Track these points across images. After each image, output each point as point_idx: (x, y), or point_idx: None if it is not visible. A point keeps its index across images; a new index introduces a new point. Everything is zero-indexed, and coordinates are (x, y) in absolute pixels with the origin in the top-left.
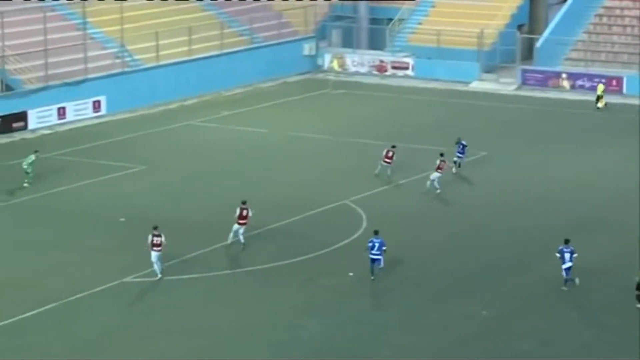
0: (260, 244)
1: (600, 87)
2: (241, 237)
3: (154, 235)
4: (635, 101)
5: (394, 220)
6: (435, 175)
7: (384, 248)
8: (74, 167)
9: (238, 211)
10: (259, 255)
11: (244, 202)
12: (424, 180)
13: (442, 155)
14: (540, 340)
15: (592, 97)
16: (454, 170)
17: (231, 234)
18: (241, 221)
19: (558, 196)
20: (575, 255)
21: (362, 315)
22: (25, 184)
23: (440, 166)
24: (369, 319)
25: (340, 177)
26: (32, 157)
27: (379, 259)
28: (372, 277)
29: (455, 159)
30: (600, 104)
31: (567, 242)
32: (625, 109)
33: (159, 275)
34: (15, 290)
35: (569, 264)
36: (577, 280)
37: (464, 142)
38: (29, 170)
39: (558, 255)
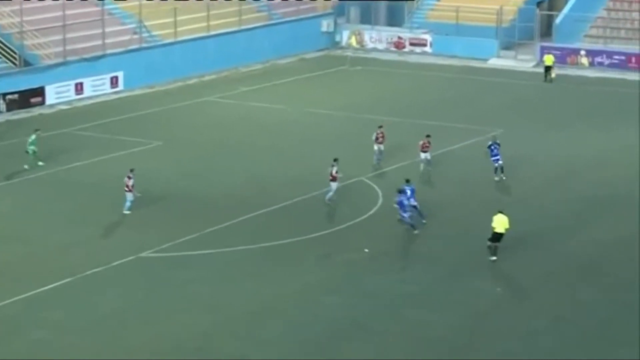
0: (277, 219)
1: (550, 58)
2: (330, 194)
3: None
4: None
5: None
6: (424, 155)
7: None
8: (91, 142)
9: (330, 169)
10: (276, 231)
11: (335, 160)
12: (440, 157)
13: (428, 136)
14: (554, 318)
15: (611, 75)
16: (496, 178)
17: (330, 194)
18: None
19: (576, 174)
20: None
21: (377, 290)
22: (25, 167)
23: (425, 145)
24: (385, 294)
25: (357, 154)
26: (33, 136)
27: (416, 205)
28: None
29: (495, 164)
30: (553, 75)
31: (407, 181)
32: None
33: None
34: (35, 264)
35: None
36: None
37: (498, 142)
38: (30, 151)
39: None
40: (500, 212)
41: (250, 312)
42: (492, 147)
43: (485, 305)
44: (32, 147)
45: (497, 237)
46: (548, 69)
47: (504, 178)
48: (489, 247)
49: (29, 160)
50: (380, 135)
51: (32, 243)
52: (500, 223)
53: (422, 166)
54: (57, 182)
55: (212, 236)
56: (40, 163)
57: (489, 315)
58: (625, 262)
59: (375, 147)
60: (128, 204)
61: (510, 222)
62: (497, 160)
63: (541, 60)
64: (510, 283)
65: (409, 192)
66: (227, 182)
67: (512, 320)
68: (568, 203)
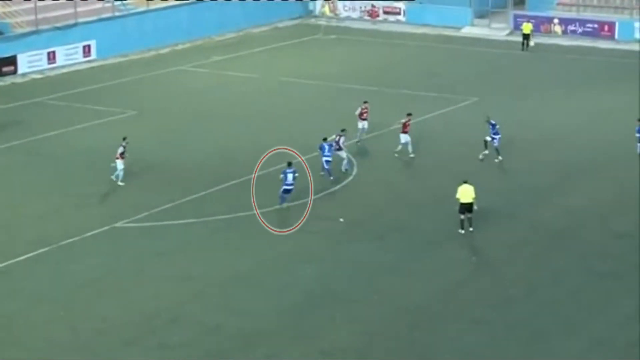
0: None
1: (528, 26)
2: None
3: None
4: (625, 46)
5: (386, 166)
6: (404, 137)
7: (297, 175)
8: (64, 112)
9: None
10: (251, 201)
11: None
12: (414, 126)
13: (409, 114)
14: (529, 286)
15: (584, 43)
16: (496, 160)
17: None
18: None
19: (549, 141)
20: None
21: (353, 260)
22: None
23: (407, 125)
24: (361, 263)
25: (331, 123)
26: None
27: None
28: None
29: (493, 142)
30: (532, 43)
31: (289, 164)
32: (617, 54)
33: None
34: (7, 234)
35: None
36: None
37: (493, 122)
38: None
39: (282, 176)
40: (465, 182)
41: (225, 282)
42: (489, 125)
43: (461, 274)
44: None
45: (464, 207)
46: (526, 37)
47: (500, 159)
48: (461, 220)
49: None
50: (365, 110)
51: (5, 213)
52: (465, 193)
53: (401, 147)
54: (30, 152)
55: (187, 206)
56: None
57: (464, 284)
58: (598, 230)
59: (360, 124)
60: (119, 173)
61: (479, 192)
62: (495, 139)
63: (519, 29)
64: (485, 252)
65: (290, 177)
66: (202, 152)
67: (487, 288)
68: (541, 171)
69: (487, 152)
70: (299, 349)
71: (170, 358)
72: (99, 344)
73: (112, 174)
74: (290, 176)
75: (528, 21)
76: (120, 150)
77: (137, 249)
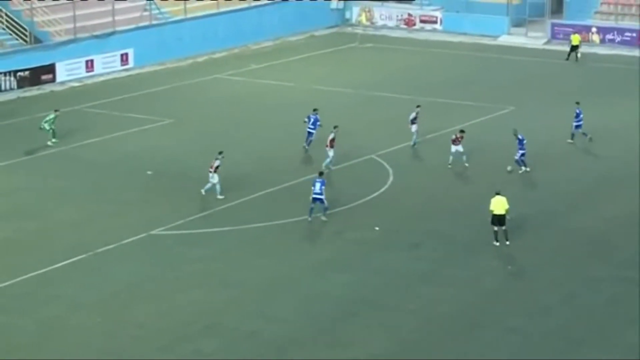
0: (289, 197)
1: (577, 38)
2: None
3: (215, 159)
4: None
5: (420, 175)
6: (455, 148)
7: (324, 187)
8: (102, 120)
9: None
10: (288, 209)
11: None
12: (450, 134)
13: (462, 131)
14: (565, 295)
15: (622, 52)
16: (520, 171)
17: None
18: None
19: (586, 151)
20: (323, 187)
21: (387, 268)
22: (49, 143)
23: (458, 138)
24: (395, 271)
25: (367, 131)
26: (52, 115)
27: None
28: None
29: (516, 157)
30: (579, 54)
31: (320, 174)
32: None
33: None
34: (46, 240)
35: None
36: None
37: (520, 136)
38: (46, 127)
39: (312, 186)
40: (498, 193)
41: (261, 289)
42: (519, 141)
43: (496, 283)
44: (47, 124)
45: (497, 219)
46: (575, 48)
47: (527, 170)
48: (494, 231)
49: (48, 137)
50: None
51: (45, 220)
52: (498, 205)
53: (450, 158)
54: (69, 160)
55: (223, 213)
56: (49, 143)
57: (500, 292)
58: (635, 239)
59: (413, 127)
60: (213, 186)
61: (515, 200)
62: (523, 153)
63: (556, 38)
64: (520, 261)
65: (318, 185)
66: (238, 160)
67: (522, 297)
68: (577, 180)
69: (527, 168)
70: (334, 356)
71: None
72: (135, 350)
73: (203, 188)
74: (317, 185)
75: (576, 32)
76: (217, 163)
77: (173, 256)
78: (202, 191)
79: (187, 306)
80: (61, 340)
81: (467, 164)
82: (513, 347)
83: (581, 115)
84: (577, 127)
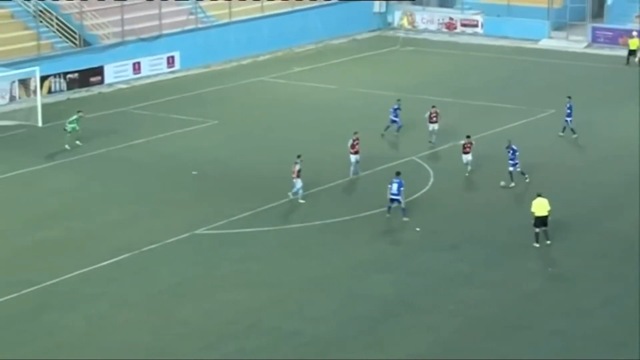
0: (330, 198)
1: (635, 42)
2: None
3: (295, 163)
4: None
5: (460, 177)
6: (466, 158)
7: (402, 189)
8: (148, 121)
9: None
10: (329, 210)
11: (355, 132)
12: (490, 137)
13: (468, 137)
14: (604, 298)
15: None
16: (502, 183)
17: (295, 189)
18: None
19: (624, 153)
20: (402, 188)
21: (427, 269)
22: (67, 147)
23: (467, 146)
24: (435, 272)
25: (408, 133)
26: (75, 116)
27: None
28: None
29: (510, 168)
30: (637, 59)
31: (398, 174)
32: None
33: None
34: (92, 239)
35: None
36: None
37: (514, 147)
38: (69, 129)
39: (389, 185)
40: (539, 195)
41: (302, 289)
42: (509, 150)
43: (536, 285)
44: (71, 126)
45: (539, 221)
46: (632, 52)
47: (527, 180)
48: (535, 233)
49: (67, 140)
50: (434, 114)
51: (89, 220)
52: (539, 207)
53: (468, 168)
54: (115, 160)
55: (265, 214)
56: (78, 142)
57: (539, 294)
58: None
59: (430, 127)
60: (299, 190)
61: (554, 204)
62: (514, 164)
63: (597, 41)
64: (560, 263)
65: (395, 186)
66: (280, 161)
67: (562, 299)
68: (616, 183)
69: (513, 184)
70: (374, 356)
71: None
72: (179, 348)
73: (290, 192)
74: (394, 186)
75: (633, 36)
76: (297, 167)
77: (216, 255)
78: (290, 194)
79: (230, 305)
80: (107, 338)
81: (467, 174)
82: (553, 349)
83: (571, 110)
84: (568, 121)
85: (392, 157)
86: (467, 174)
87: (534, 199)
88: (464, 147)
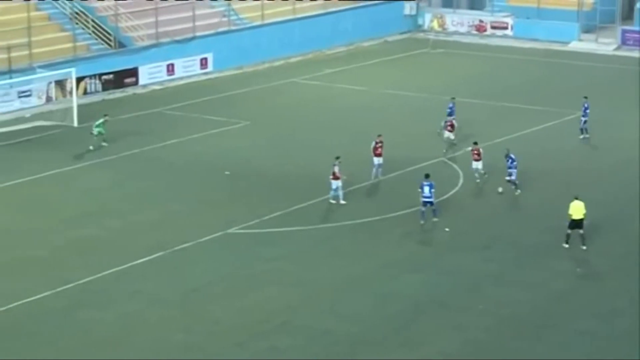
0: (361, 198)
1: None
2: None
3: (334, 165)
4: None
5: (490, 178)
6: (475, 165)
7: (433, 190)
8: (182, 122)
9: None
10: (360, 210)
11: (379, 135)
12: (519, 139)
13: (475, 143)
14: (633, 299)
15: None
16: (518, 192)
17: (332, 193)
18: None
19: None
20: (433, 190)
21: (458, 269)
22: (91, 147)
23: (475, 153)
24: (465, 272)
25: (433, 134)
26: (101, 119)
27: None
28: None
29: (507, 178)
30: None
31: (427, 176)
32: None
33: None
34: (127, 237)
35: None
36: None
37: (512, 156)
38: (95, 132)
39: (419, 189)
40: (576, 198)
41: (333, 288)
42: (507, 159)
43: (565, 285)
44: (98, 129)
45: (575, 224)
46: None
47: (518, 192)
48: (567, 234)
49: (93, 141)
50: (450, 124)
51: (124, 218)
52: (576, 209)
53: (478, 176)
54: (150, 160)
55: (297, 214)
56: (104, 144)
57: (569, 295)
58: None
59: (445, 134)
60: (335, 192)
61: (587, 206)
62: (511, 171)
63: (626, 44)
64: (588, 264)
65: (426, 188)
66: (312, 161)
67: (591, 299)
68: None
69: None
70: (406, 355)
71: None
72: (211, 345)
73: (330, 196)
74: (426, 189)
75: None
76: (336, 169)
77: (248, 254)
78: (331, 200)
79: (262, 304)
80: (141, 335)
81: (478, 180)
82: (582, 349)
83: (588, 110)
84: (582, 121)
85: (421, 158)
86: (477, 181)
87: (572, 201)
88: (472, 153)
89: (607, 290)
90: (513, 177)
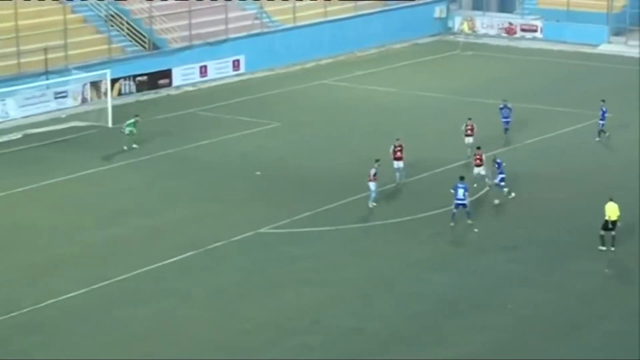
0: (389, 199)
1: None
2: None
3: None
4: None
5: (518, 178)
6: (477, 170)
7: (467, 193)
8: (214, 122)
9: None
10: (388, 211)
11: (397, 139)
12: (548, 140)
13: (478, 148)
14: None
15: None
16: (511, 194)
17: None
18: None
19: None
20: (467, 193)
21: (485, 269)
22: (125, 147)
23: (477, 159)
24: (493, 273)
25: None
26: (132, 120)
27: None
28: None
29: (496, 181)
30: None
31: (462, 178)
32: None
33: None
34: (160, 237)
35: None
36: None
37: (499, 161)
38: (127, 132)
39: (452, 191)
40: (611, 200)
41: (362, 288)
42: (494, 163)
43: (592, 286)
44: (129, 128)
45: (609, 225)
46: None
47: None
48: (601, 236)
49: (125, 141)
50: (470, 128)
51: (157, 217)
52: (611, 211)
53: (487, 181)
54: (183, 160)
55: (327, 214)
56: (134, 145)
57: (598, 296)
58: None
59: (466, 140)
60: (372, 194)
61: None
62: (501, 175)
63: None
64: (616, 265)
65: (461, 191)
66: (342, 162)
67: (621, 300)
68: None
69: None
70: (436, 354)
71: (311, 358)
72: (243, 343)
73: (372, 199)
74: (460, 191)
75: None
76: (373, 171)
77: (279, 253)
78: (372, 202)
79: (292, 302)
80: (174, 332)
81: (488, 186)
82: (610, 349)
83: (606, 114)
84: (600, 124)
85: (451, 160)
86: (474, 185)
87: (607, 203)
88: (474, 159)
89: (635, 290)
90: (497, 180)
